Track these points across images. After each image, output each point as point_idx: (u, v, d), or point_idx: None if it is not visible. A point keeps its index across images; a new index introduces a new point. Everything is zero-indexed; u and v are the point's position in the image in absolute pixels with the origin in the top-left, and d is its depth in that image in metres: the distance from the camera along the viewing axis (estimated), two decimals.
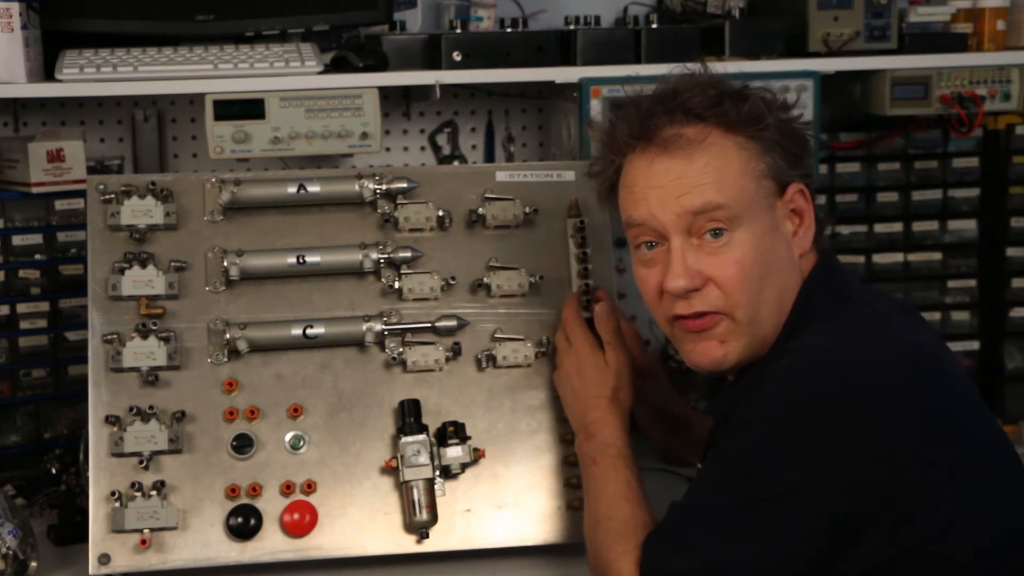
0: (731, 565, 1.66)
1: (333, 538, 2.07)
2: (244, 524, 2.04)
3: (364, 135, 2.36)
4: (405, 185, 2.19)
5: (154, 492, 2.03)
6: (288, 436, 2.10)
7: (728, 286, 1.76)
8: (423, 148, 2.84)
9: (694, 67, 1.86)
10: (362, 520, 2.08)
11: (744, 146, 1.77)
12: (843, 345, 1.71)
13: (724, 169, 1.76)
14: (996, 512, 1.68)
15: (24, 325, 2.39)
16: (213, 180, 2.17)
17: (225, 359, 2.11)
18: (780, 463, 1.64)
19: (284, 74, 2.36)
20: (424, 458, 2.06)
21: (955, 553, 1.64)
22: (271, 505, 2.06)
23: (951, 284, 2.71)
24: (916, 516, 1.63)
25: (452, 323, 2.15)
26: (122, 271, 2.11)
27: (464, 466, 2.10)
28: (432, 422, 2.10)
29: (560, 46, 2.51)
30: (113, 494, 2.03)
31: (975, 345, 2.72)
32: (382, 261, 2.16)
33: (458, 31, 2.55)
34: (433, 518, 2.06)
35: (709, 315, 1.78)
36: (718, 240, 1.76)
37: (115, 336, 2.09)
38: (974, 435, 1.71)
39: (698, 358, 1.81)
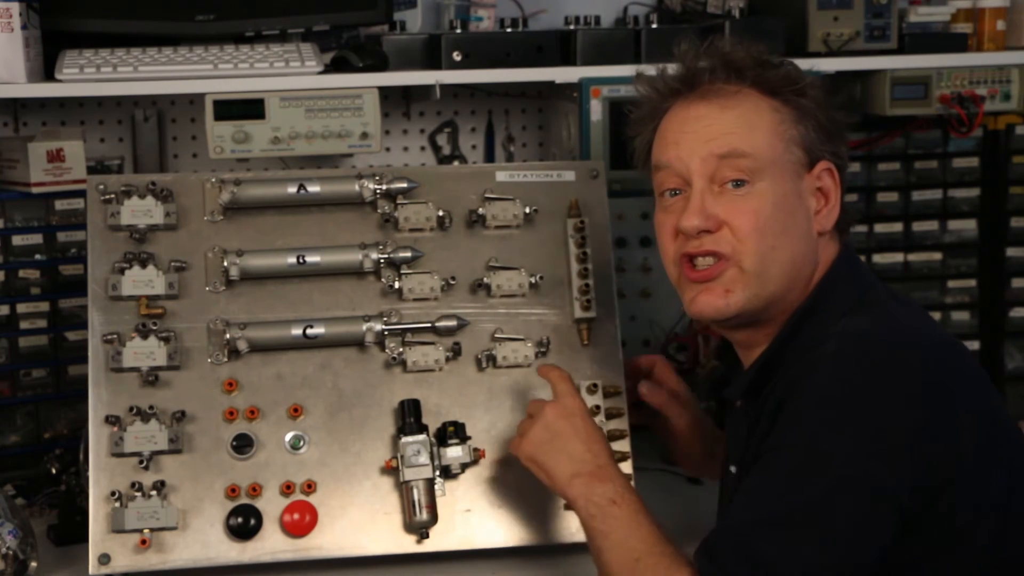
0: (811, 571, 1.60)
1: (333, 538, 2.07)
2: (244, 524, 2.04)
3: (364, 135, 2.36)
4: (405, 185, 2.19)
5: (154, 492, 2.03)
6: (288, 436, 2.10)
7: (741, 231, 1.77)
8: (423, 148, 2.84)
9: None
10: (362, 520, 2.08)
11: (778, 109, 1.81)
12: (887, 328, 1.71)
13: (755, 123, 1.79)
14: None
15: (24, 325, 2.39)
16: (213, 180, 2.17)
17: (225, 359, 2.11)
18: (846, 449, 1.61)
19: (284, 74, 2.36)
20: (424, 458, 2.06)
21: (999, 536, 1.66)
22: (271, 505, 2.06)
23: (951, 284, 2.71)
24: (966, 498, 1.63)
25: (452, 323, 2.15)
26: (122, 271, 2.11)
27: (464, 466, 2.10)
28: (432, 422, 2.10)
29: (560, 46, 2.51)
30: (113, 494, 2.03)
31: (975, 345, 2.71)
32: (382, 261, 2.16)
33: (458, 31, 2.55)
34: (433, 518, 2.06)
35: (717, 262, 1.78)
36: (739, 190, 1.78)
37: (115, 336, 2.09)
38: (1008, 421, 1.75)
39: (700, 307, 1.81)
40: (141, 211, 2.13)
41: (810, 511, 1.61)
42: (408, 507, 2.05)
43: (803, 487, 1.62)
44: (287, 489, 2.07)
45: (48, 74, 2.37)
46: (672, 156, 1.82)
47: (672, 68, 1.88)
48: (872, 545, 1.61)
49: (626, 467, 2.13)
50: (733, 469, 1.86)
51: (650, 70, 1.91)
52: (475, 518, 2.10)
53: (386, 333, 2.13)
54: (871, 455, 1.61)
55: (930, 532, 1.62)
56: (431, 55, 2.51)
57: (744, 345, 1.88)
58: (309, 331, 2.12)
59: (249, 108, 2.33)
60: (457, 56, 2.46)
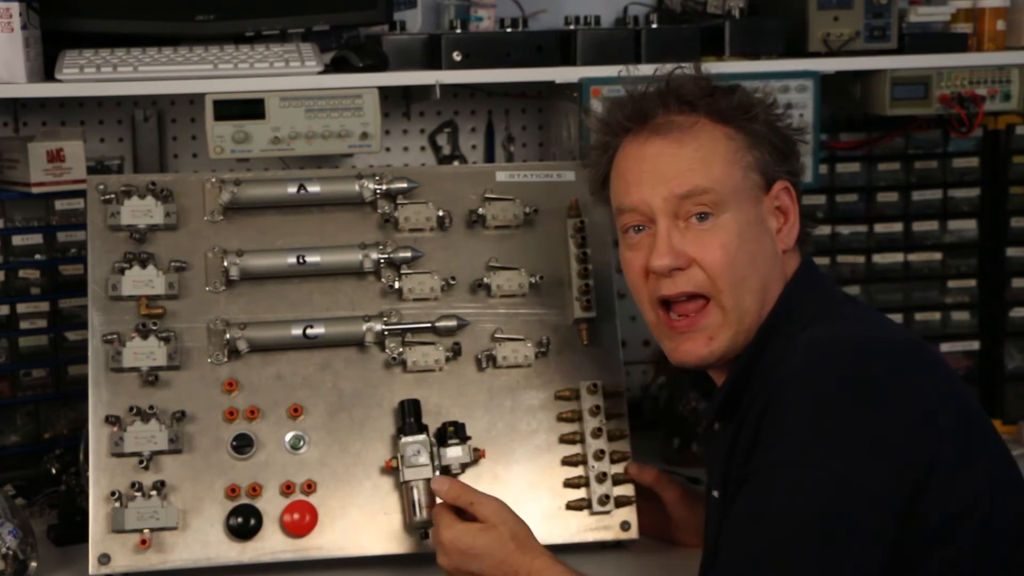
0: None
1: (333, 538, 2.07)
2: (244, 524, 2.04)
3: (364, 135, 2.36)
4: (405, 185, 2.19)
5: (154, 492, 2.03)
6: (288, 436, 2.10)
7: (713, 268, 1.77)
8: (423, 148, 2.84)
9: (688, 66, 1.89)
10: (362, 520, 2.08)
11: (732, 136, 1.81)
12: (850, 335, 1.71)
13: (712, 156, 1.79)
14: (1011, 492, 1.70)
15: (24, 325, 2.39)
16: (213, 180, 2.18)
17: (225, 359, 2.11)
18: (830, 461, 1.59)
19: (284, 74, 2.36)
20: (424, 458, 2.06)
21: (981, 534, 1.64)
22: (271, 505, 2.06)
23: (951, 284, 2.71)
24: (947, 497, 1.62)
25: (452, 323, 2.15)
26: (122, 271, 2.11)
27: (464, 466, 2.10)
28: (432, 422, 2.10)
29: (560, 46, 2.51)
30: (113, 494, 2.03)
31: (975, 345, 2.71)
32: (382, 261, 2.16)
33: (458, 31, 2.55)
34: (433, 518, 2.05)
35: (696, 301, 1.78)
36: (704, 223, 1.78)
37: (115, 336, 2.09)
38: (981, 419, 1.74)
39: (683, 356, 1.81)
40: (141, 211, 2.13)
41: (808, 532, 1.58)
42: (408, 507, 2.05)
43: (795, 508, 1.59)
44: (287, 489, 2.07)
45: (48, 74, 2.37)
46: (635, 199, 1.81)
47: (622, 104, 1.87)
48: (874, 552, 1.59)
49: (624, 469, 2.13)
50: (716, 493, 1.83)
51: (642, 69, 1.91)
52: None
53: (386, 333, 2.14)
54: (855, 463, 1.59)
55: (913, 534, 1.61)
56: (431, 55, 2.51)
57: (719, 370, 1.87)
58: (309, 331, 2.12)
59: (249, 108, 2.33)
60: (457, 56, 2.46)
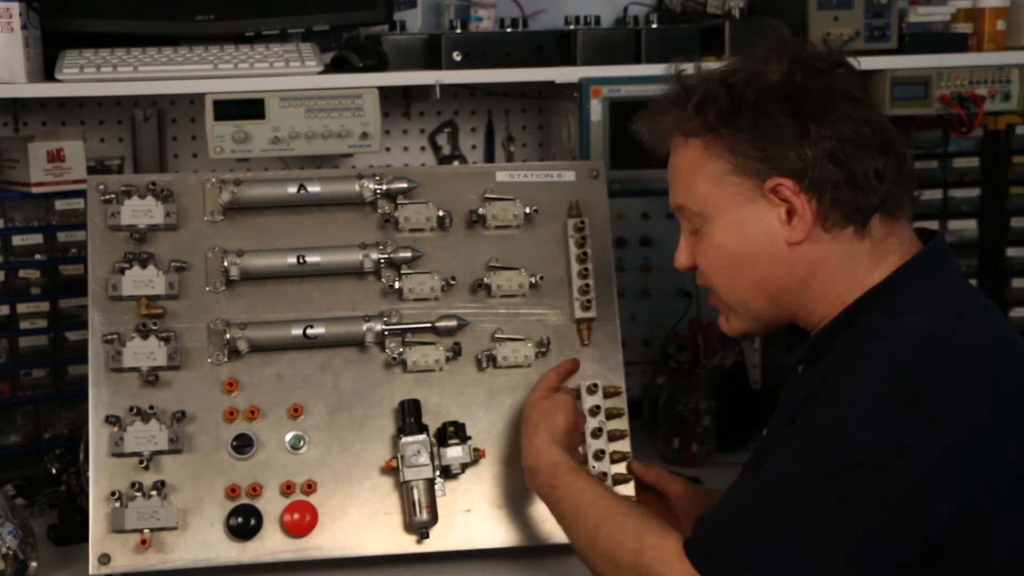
0: (822, 545, 1.57)
1: (333, 538, 2.07)
2: (244, 524, 2.04)
3: (364, 135, 2.36)
4: (405, 185, 2.19)
5: (154, 492, 2.03)
6: (288, 436, 2.10)
7: (706, 273, 1.86)
8: (423, 148, 2.84)
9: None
10: (362, 520, 2.08)
11: (709, 145, 1.79)
12: (945, 331, 1.67)
13: (681, 172, 1.84)
14: None
15: (24, 325, 2.39)
16: (213, 180, 2.18)
17: (225, 359, 2.11)
18: (874, 434, 1.59)
19: (284, 74, 2.36)
20: (424, 458, 2.06)
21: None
22: (271, 505, 2.06)
23: None
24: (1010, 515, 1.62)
25: (452, 323, 2.15)
26: (122, 271, 2.11)
27: (464, 466, 2.10)
28: (432, 422, 2.10)
29: (560, 46, 2.51)
30: (113, 494, 2.03)
31: None
32: (382, 261, 2.16)
33: (458, 31, 2.55)
34: (433, 518, 2.06)
35: (712, 294, 1.88)
36: (697, 236, 1.84)
37: (115, 336, 2.09)
38: None
39: (720, 326, 1.92)
40: (141, 211, 2.13)
41: (830, 483, 1.58)
42: (408, 507, 2.06)
43: (824, 457, 1.60)
44: (287, 489, 2.07)
45: (48, 74, 2.37)
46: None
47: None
48: (892, 532, 1.58)
49: (626, 467, 2.13)
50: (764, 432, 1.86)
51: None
52: (475, 518, 2.10)
53: (386, 333, 2.14)
54: (900, 444, 1.57)
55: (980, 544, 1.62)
56: (431, 55, 2.51)
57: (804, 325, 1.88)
58: (309, 331, 2.12)
59: (249, 108, 2.33)
60: (457, 56, 2.46)
